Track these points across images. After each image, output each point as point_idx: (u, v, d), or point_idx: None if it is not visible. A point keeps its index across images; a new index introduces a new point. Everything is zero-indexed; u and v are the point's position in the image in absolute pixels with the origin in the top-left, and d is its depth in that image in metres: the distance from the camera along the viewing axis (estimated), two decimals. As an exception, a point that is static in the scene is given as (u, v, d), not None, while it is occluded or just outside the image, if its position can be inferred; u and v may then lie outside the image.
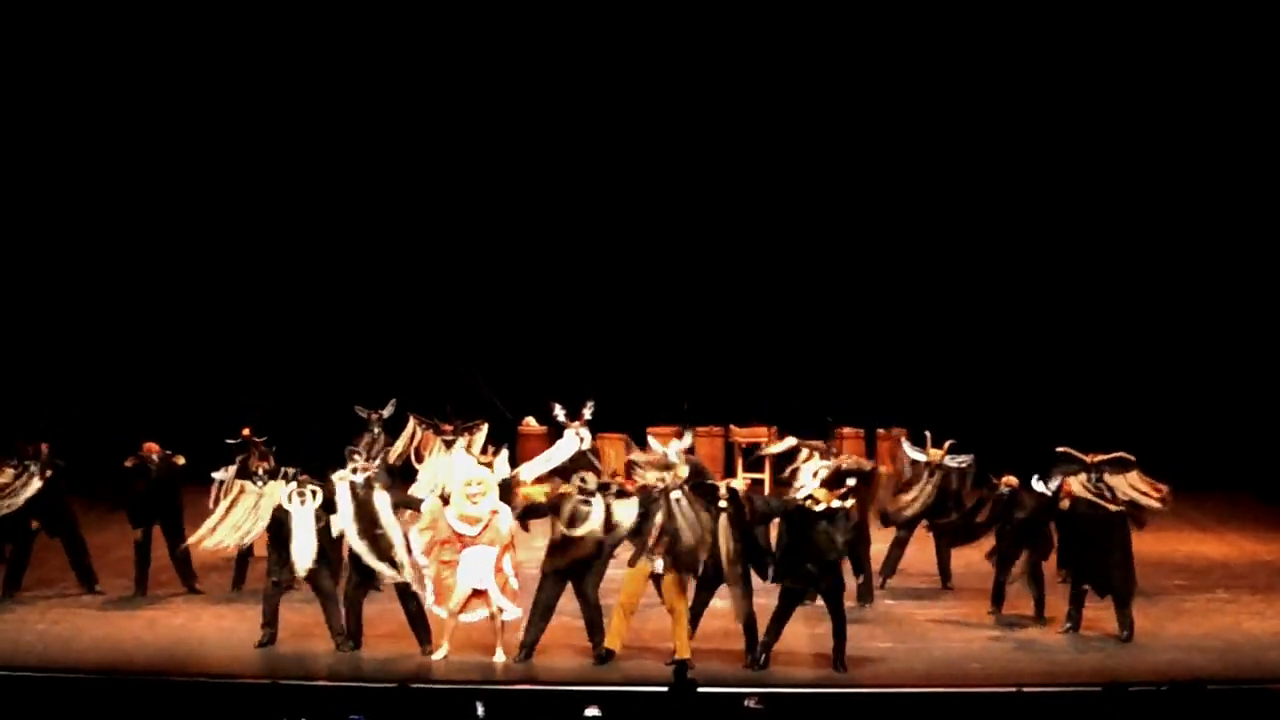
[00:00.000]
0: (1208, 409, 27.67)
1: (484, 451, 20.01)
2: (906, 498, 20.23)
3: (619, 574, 17.44)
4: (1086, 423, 23.35)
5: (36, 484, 19.35)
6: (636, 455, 18.06)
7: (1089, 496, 18.35)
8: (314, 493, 17.40)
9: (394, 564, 17.09)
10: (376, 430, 21.51)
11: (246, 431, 20.42)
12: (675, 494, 16.75)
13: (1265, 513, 25.41)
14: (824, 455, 19.08)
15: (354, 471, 17.42)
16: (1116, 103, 28.18)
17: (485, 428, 22.07)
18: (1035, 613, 18.73)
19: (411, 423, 22.22)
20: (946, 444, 20.27)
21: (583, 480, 17.20)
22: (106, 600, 19.61)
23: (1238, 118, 27.90)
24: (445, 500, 17.34)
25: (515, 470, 19.62)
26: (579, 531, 16.76)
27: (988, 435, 21.31)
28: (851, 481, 17.25)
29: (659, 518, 16.66)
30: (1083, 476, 19.26)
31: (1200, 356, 28.00)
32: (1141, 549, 19.97)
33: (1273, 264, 28.05)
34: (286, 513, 17.36)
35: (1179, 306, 28.32)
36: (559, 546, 16.98)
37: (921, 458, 20.36)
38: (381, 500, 17.35)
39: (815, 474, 17.41)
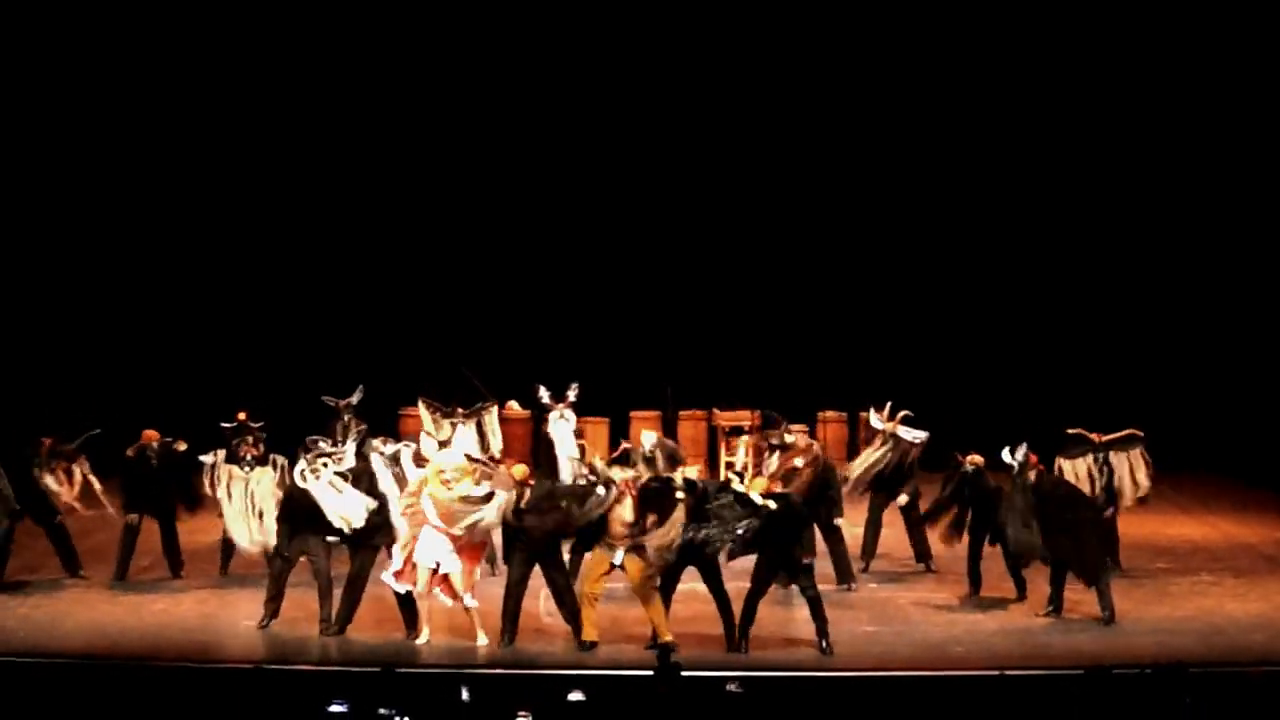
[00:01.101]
0: (1192, 392, 27.69)
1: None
2: (858, 460, 20.46)
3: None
4: (1071, 404, 23.41)
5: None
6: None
7: (1083, 478, 18.58)
8: (325, 465, 17.39)
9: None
10: (346, 418, 21.50)
11: (242, 415, 20.40)
12: (600, 490, 16.84)
13: (1249, 496, 25.44)
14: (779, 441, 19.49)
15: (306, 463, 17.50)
16: (1103, 89, 28.21)
17: (495, 409, 22.11)
18: (1016, 593, 18.81)
19: (422, 407, 22.24)
20: (900, 414, 20.36)
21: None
22: (89, 585, 19.58)
23: (1227, 107, 27.95)
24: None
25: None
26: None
27: (965, 414, 21.36)
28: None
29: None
30: (1090, 458, 19.38)
31: (1185, 339, 28.02)
32: (1125, 531, 20.07)
33: (1259, 247, 28.06)
34: (302, 491, 17.36)
35: (1164, 290, 28.35)
36: (516, 528, 17.01)
37: (879, 425, 20.45)
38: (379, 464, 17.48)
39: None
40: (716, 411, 25.51)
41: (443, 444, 20.93)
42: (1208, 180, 28.16)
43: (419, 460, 18.49)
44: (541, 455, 22.60)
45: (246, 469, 18.48)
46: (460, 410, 21.80)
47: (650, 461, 19.12)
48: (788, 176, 28.82)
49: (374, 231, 28.75)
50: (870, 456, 20.39)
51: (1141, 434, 19.68)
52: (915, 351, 28.02)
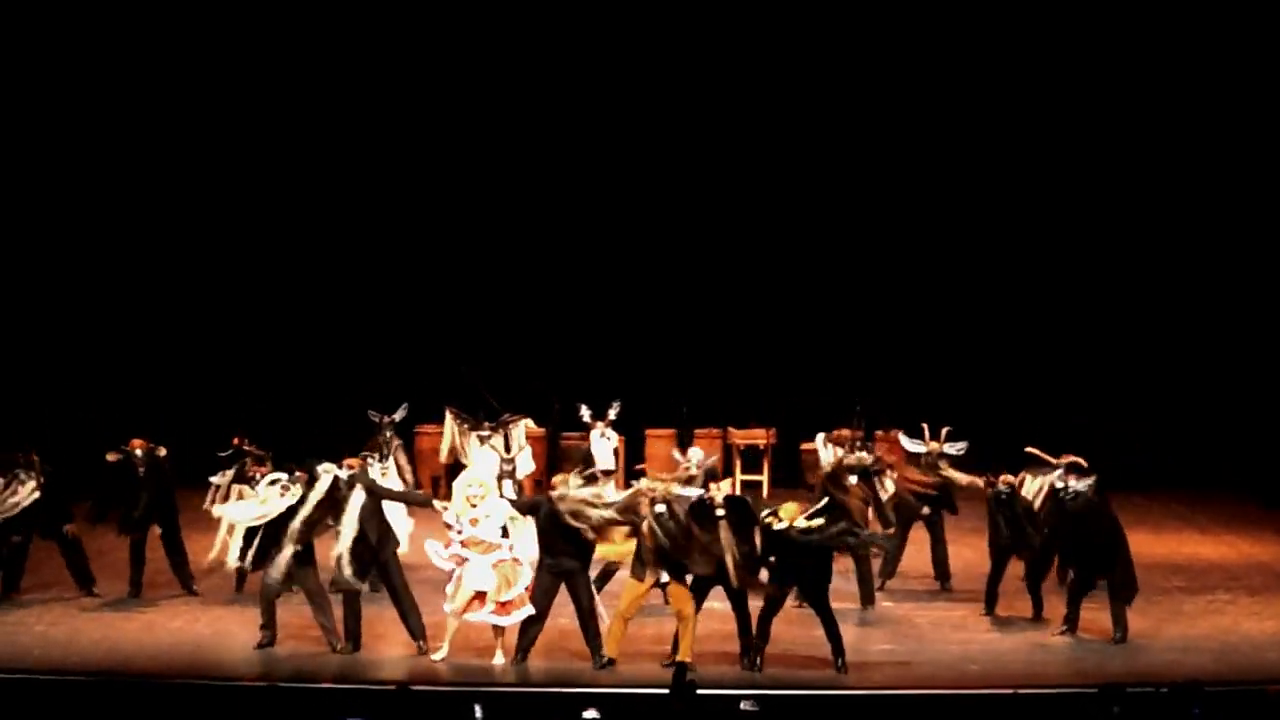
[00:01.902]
0: (1208, 412, 27.66)
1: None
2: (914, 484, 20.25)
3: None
4: (1086, 424, 23.41)
5: (34, 492, 19.34)
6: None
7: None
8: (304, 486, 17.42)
9: (357, 571, 17.13)
10: (388, 434, 21.48)
11: (237, 441, 20.35)
12: (659, 507, 16.79)
13: (1264, 515, 25.39)
14: (851, 448, 19.45)
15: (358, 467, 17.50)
16: (1104, 94, 28.20)
17: (524, 422, 22.09)
18: (1033, 612, 18.81)
19: (449, 419, 22.20)
20: (944, 431, 20.34)
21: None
22: (104, 603, 19.59)
23: (1229, 112, 27.93)
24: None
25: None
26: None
27: (984, 432, 21.33)
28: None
29: (644, 529, 16.74)
30: (1052, 476, 19.27)
31: (1200, 359, 27.99)
32: (1140, 550, 20.01)
33: (1272, 266, 28.02)
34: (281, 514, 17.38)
35: (1178, 309, 28.31)
36: (549, 546, 17.00)
37: (921, 449, 20.40)
38: (356, 500, 17.31)
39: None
40: (731, 430, 25.52)
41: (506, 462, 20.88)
42: (1234, 205, 28.10)
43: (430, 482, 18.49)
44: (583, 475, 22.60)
45: (256, 489, 18.51)
46: (487, 423, 21.76)
47: (693, 479, 19.08)
48: (809, 198, 28.81)
49: (387, 249, 28.77)
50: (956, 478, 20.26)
51: (1085, 463, 19.37)
52: (931, 369, 28.00)
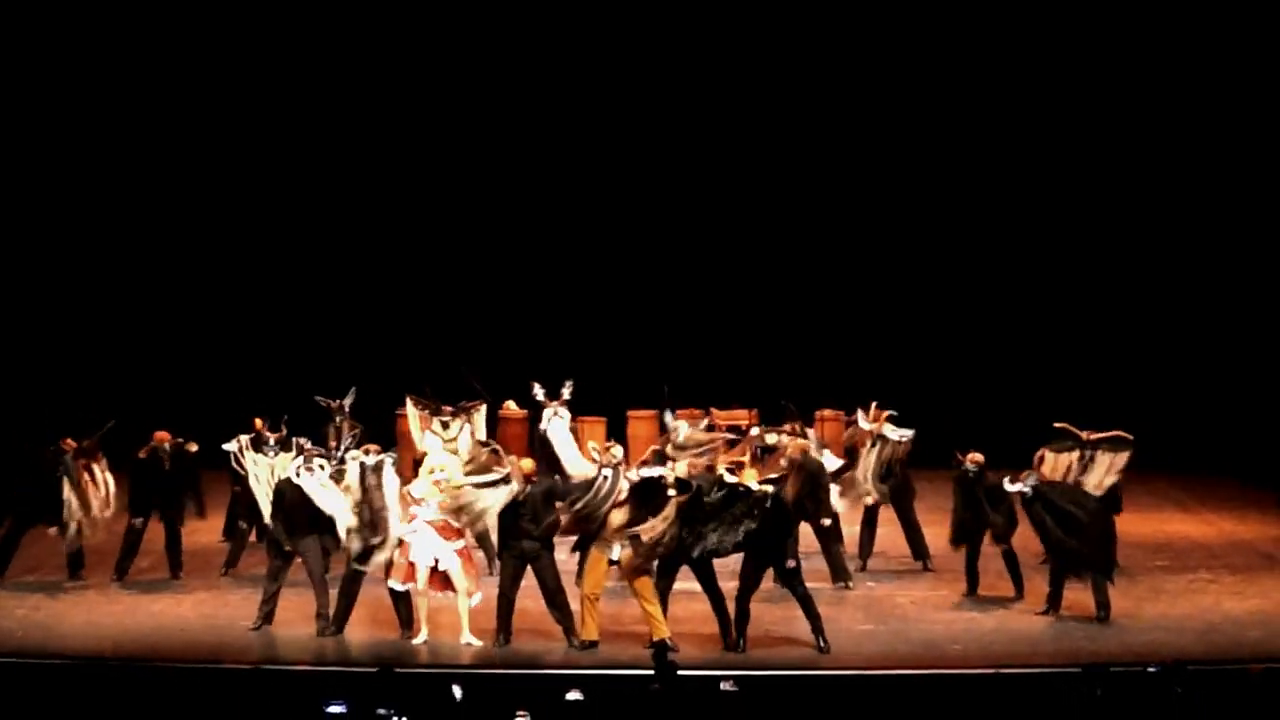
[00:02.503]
0: (1191, 391, 27.68)
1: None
2: (859, 468, 20.36)
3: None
4: (1071, 403, 23.39)
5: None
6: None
7: (1061, 472, 18.66)
8: (321, 466, 17.41)
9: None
10: (339, 419, 21.44)
11: (259, 423, 20.31)
12: (605, 471, 16.90)
13: (1246, 494, 25.43)
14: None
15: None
16: (1098, 90, 28.21)
17: (484, 408, 22.06)
18: (1015, 592, 18.84)
19: (410, 406, 22.17)
20: (885, 414, 20.37)
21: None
22: (88, 586, 19.58)
23: (1223, 107, 27.95)
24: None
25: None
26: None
27: (967, 414, 21.32)
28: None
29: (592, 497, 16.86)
30: (1075, 454, 19.37)
31: (1184, 338, 28.00)
32: (1123, 529, 20.02)
33: (1258, 247, 28.05)
34: (295, 488, 17.37)
35: (1161, 289, 28.32)
36: (508, 530, 17.03)
37: (866, 426, 20.45)
38: (390, 483, 17.40)
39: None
40: (714, 411, 25.48)
41: (448, 443, 20.84)
42: (1203, 178, 28.14)
43: (414, 466, 18.49)
44: (538, 455, 22.56)
45: (271, 453, 18.53)
46: (448, 409, 21.69)
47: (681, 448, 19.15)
48: (785, 175, 28.80)
49: (371, 233, 28.74)
50: (865, 459, 20.36)
51: (1130, 438, 19.64)
52: (914, 349, 28.02)
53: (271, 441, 18.82)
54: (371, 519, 17.13)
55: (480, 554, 18.86)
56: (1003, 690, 14.26)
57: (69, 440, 19.62)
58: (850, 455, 20.99)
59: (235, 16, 28.21)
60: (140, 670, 15.56)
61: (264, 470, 18.58)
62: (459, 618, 17.04)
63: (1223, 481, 26.27)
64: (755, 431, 21.06)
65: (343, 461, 17.49)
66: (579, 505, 16.94)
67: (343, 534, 17.21)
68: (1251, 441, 26.73)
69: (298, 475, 17.43)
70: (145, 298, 28.47)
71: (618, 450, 17.76)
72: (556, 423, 21.84)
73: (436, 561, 16.92)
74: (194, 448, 20.01)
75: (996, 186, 28.58)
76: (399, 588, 17.09)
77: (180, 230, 28.57)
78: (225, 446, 19.29)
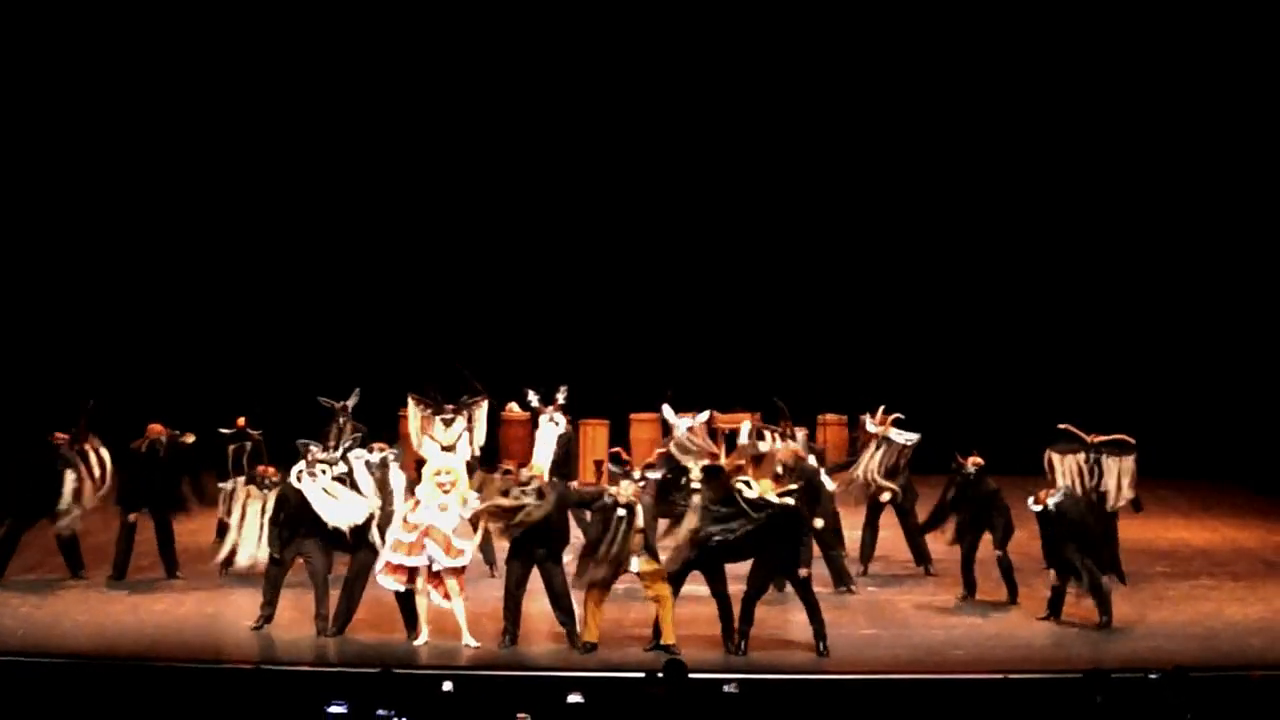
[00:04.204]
0: (1194, 397, 27.66)
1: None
2: (858, 466, 20.41)
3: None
4: (1075, 409, 23.38)
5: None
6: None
7: (1073, 475, 18.66)
8: (323, 470, 17.40)
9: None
10: (343, 420, 21.42)
11: (241, 421, 20.32)
12: (620, 511, 16.82)
13: (1248, 500, 25.45)
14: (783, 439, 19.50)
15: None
16: (1099, 91, 28.19)
17: (485, 404, 22.02)
18: (1008, 597, 18.83)
19: (412, 405, 22.14)
20: (891, 417, 20.36)
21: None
22: (89, 585, 19.56)
23: (1223, 107, 27.93)
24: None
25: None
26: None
27: (964, 416, 21.27)
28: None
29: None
30: (1081, 456, 19.38)
31: (1186, 344, 27.98)
32: (1125, 535, 20.05)
33: (1262, 254, 28.03)
34: (296, 491, 17.37)
35: (1164, 295, 28.30)
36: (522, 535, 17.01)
37: (873, 429, 20.48)
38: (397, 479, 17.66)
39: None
40: (715, 414, 25.47)
41: (446, 448, 20.83)
42: (1210, 185, 28.12)
43: (416, 466, 18.46)
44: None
45: (265, 489, 18.48)
46: (449, 406, 21.66)
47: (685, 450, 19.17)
48: (789, 179, 28.77)
49: (373, 234, 28.72)
50: (868, 461, 20.38)
51: (1134, 442, 19.66)
52: (916, 353, 28.01)
53: (268, 479, 18.62)
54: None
55: (480, 555, 18.86)
56: (1004, 696, 14.23)
57: (59, 434, 19.61)
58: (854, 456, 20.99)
59: (235, 16, 28.18)
60: (141, 670, 15.56)
61: (255, 505, 18.44)
62: (471, 619, 17.03)
63: (1225, 488, 26.29)
64: (744, 441, 20.98)
65: (344, 460, 17.49)
66: (606, 552, 16.84)
67: (347, 535, 17.24)
68: (1254, 448, 26.73)
69: (299, 480, 17.41)
70: (146, 298, 28.43)
71: (628, 487, 17.14)
72: (548, 427, 21.74)
73: (431, 562, 16.90)
74: (190, 439, 19.94)
75: (1001, 192, 28.55)
76: (396, 587, 17.06)
77: (182, 230, 28.53)
78: (221, 485, 19.34)
